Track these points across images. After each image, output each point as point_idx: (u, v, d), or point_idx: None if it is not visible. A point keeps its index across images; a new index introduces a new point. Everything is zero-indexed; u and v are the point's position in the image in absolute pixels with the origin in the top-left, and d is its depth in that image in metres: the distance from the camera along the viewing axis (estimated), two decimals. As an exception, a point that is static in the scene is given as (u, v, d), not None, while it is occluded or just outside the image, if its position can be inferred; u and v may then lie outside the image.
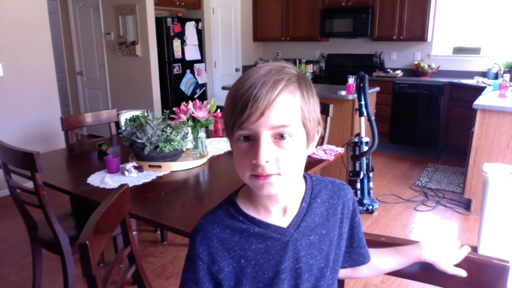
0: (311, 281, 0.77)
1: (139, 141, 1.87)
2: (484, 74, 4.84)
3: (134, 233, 1.89)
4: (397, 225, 2.99)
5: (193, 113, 1.98)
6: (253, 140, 0.65)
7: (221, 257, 0.74)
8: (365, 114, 3.09)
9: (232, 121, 0.64)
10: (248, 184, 0.70)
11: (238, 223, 0.75)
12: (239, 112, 0.63)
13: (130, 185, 1.74)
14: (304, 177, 0.81)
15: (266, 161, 0.64)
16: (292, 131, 0.65)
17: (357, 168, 3.16)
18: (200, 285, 0.74)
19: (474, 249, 2.62)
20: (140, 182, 1.78)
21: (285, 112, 0.64)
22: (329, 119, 2.66)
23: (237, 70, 6.26)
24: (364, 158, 3.13)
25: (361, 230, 0.87)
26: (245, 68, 6.35)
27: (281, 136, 0.65)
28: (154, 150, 1.89)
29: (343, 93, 3.60)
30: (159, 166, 1.92)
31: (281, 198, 0.74)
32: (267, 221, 0.75)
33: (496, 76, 4.66)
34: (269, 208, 0.75)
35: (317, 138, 0.73)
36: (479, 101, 3.06)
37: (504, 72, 4.58)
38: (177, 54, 5.19)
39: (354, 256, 0.88)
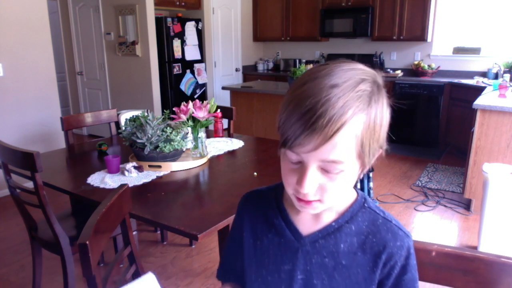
0: None
1: (139, 141, 1.87)
2: (484, 74, 4.83)
3: (134, 233, 1.90)
4: (397, 225, 2.98)
5: (193, 113, 1.98)
6: (301, 163, 0.61)
7: (250, 225, 0.80)
8: (365, 114, 3.09)
9: (285, 137, 0.59)
10: (290, 196, 0.68)
11: (270, 210, 0.78)
12: (292, 135, 0.58)
13: (130, 185, 1.74)
14: (357, 192, 0.74)
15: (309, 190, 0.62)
16: (344, 167, 0.60)
17: (357, 168, 3.16)
18: (237, 229, 0.83)
19: (475, 249, 2.62)
20: (140, 182, 1.78)
21: (341, 149, 0.58)
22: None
23: (237, 70, 6.26)
24: (364, 158, 3.12)
25: None
26: (245, 68, 6.35)
27: (330, 170, 0.60)
28: (154, 150, 1.89)
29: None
30: (159, 166, 1.92)
31: None
32: (294, 219, 0.75)
33: (496, 76, 4.66)
34: None
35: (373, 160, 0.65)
36: (479, 101, 3.05)
37: (504, 72, 4.58)
38: (177, 54, 5.19)
39: None
